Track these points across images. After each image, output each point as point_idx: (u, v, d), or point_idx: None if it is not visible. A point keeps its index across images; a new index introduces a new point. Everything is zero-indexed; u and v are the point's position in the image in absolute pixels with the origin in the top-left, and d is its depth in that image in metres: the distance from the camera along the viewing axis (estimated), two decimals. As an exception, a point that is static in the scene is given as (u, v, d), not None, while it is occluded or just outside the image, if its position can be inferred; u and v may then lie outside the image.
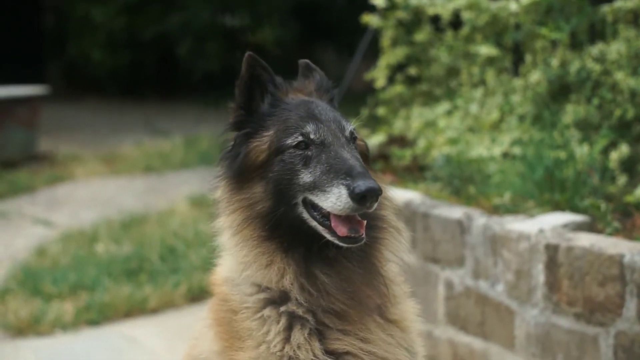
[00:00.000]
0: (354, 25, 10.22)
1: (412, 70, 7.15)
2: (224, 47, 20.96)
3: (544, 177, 4.89)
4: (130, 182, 11.82)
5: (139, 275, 7.18)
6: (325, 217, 2.68)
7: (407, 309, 2.98)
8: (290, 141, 2.74)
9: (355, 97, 9.03)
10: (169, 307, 6.71)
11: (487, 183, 5.31)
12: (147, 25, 20.44)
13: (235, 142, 2.87)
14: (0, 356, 5.81)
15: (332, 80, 3.14)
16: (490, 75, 6.31)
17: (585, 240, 4.20)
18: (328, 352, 2.73)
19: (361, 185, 2.55)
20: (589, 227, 4.52)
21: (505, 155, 5.61)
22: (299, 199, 2.71)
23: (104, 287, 6.84)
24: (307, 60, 3.15)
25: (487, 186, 5.25)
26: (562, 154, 4.96)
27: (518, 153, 5.40)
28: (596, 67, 5.24)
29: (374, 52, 7.71)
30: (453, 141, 5.94)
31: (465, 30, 6.63)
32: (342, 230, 2.63)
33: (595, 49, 5.36)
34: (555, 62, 5.58)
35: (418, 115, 6.63)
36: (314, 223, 2.70)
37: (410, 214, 5.19)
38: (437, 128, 6.30)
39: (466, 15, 6.53)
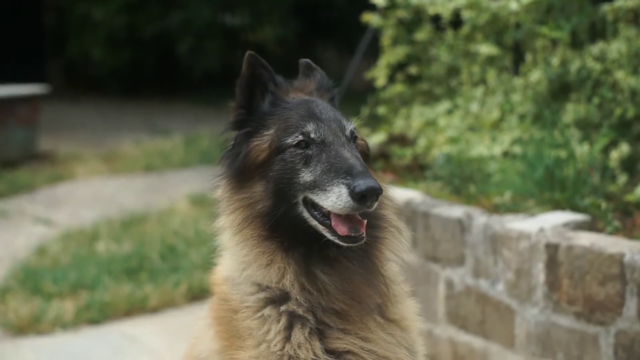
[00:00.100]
0: (354, 24, 10.24)
1: (413, 69, 7.16)
2: (225, 45, 20.97)
3: (545, 176, 4.89)
4: (130, 181, 11.82)
5: (139, 274, 7.18)
6: (325, 216, 2.68)
7: (408, 308, 2.98)
8: (290, 140, 2.74)
9: (355, 96, 9.04)
10: (169, 306, 6.71)
11: (487, 182, 5.31)
12: (147, 24, 20.44)
13: (235, 141, 2.86)
14: (1, 355, 5.81)
15: (332, 79, 3.14)
16: (491, 75, 6.32)
17: (586, 239, 4.20)
18: (328, 351, 2.73)
19: (362, 184, 2.55)
20: (589, 226, 4.52)
21: (505, 154, 5.61)
22: (300, 198, 2.71)
23: (104, 286, 6.85)
24: (307, 60, 3.15)
25: (488, 185, 5.26)
26: (563, 153, 4.96)
27: (518, 152, 5.40)
28: (596, 66, 5.24)
29: (374, 51, 7.71)
30: (453, 140, 5.94)
31: (465, 30, 6.64)
32: (342, 229, 2.63)
33: (596, 48, 5.36)
34: (555, 61, 5.59)
35: (418, 114, 6.64)
36: (314, 222, 2.70)
37: (410, 213, 5.19)
38: (438, 127, 6.30)
39: (466, 15, 6.54)
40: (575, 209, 4.69)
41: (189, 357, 3.09)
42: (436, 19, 7.03)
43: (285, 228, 2.73)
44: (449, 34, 6.84)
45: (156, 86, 22.28)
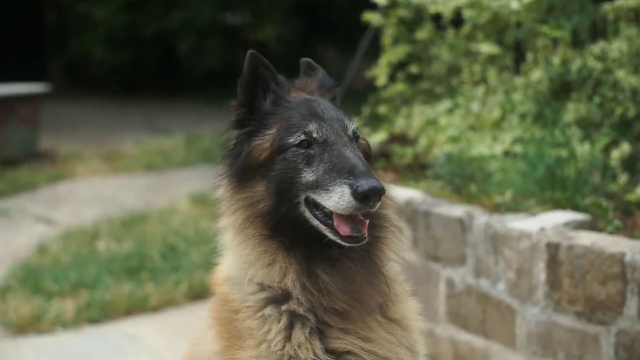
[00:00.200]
0: (355, 23, 10.23)
1: (414, 69, 7.16)
2: (225, 45, 20.96)
3: (545, 176, 4.89)
4: (131, 180, 11.82)
5: (140, 274, 7.18)
6: (327, 216, 2.68)
7: (409, 307, 2.98)
8: (292, 140, 2.74)
9: (356, 95, 9.03)
10: (169, 305, 6.71)
11: (488, 181, 5.31)
12: (148, 23, 20.44)
13: (237, 140, 2.86)
14: (1, 354, 5.81)
15: (333, 78, 3.14)
16: (492, 74, 6.31)
17: (586, 238, 4.20)
18: (329, 351, 2.73)
19: (364, 184, 2.55)
20: (590, 226, 4.52)
21: (506, 153, 5.61)
22: (301, 198, 2.71)
23: (105, 285, 6.84)
24: (309, 59, 3.15)
25: (488, 184, 5.25)
26: (564, 152, 4.96)
27: (519, 151, 5.40)
28: (597, 66, 5.24)
29: (375, 50, 7.71)
30: (454, 139, 5.94)
31: (466, 29, 6.63)
32: (344, 229, 2.63)
33: (597, 47, 5.35)
34: (556, 60, 5.58)
35: (419, 114, 6.63)
36: (316, 222, 2.70)
37: (411, 213, 5.19)
38: (439, 126, 6.30)
39: (467, 14, 6.53)
40: (576, 208, 4.69)
41: (190, 357, 3.09)
42: (437, 18, 7.03)
43: (286, 228, 2.73)
44: (450, 33, 6.84)
45: (157, 85, 22.28)
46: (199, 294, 6.73)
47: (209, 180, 3.01)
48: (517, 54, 6.38)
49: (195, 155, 13.22)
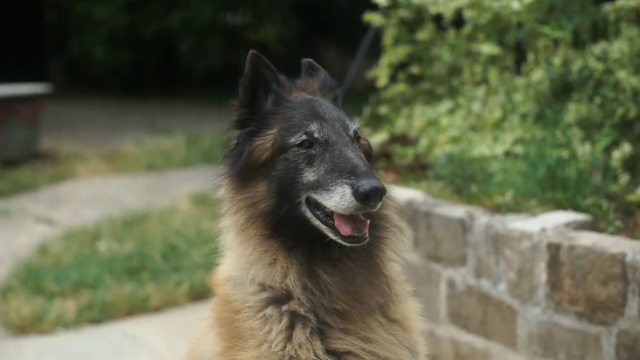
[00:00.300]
0: (356, 23, 10.23)
1: (414, 69, 7.16)
2: (226, 45, 20.97)
3: (546, 176, 4.89)
4: (132, 181, 11.83)
5: (141, 274, 7.18)
6: (328, 216, 2.68)
7: (409, 308, 2.98)
8: (294, 140, 2.74)
9: (357, 96, 9.03)
10: (171, 305, 6.71)
11: (489, 182, 5.31)
12: (148, 23, 20.45)
13: (238, 140, 2.86)
14: (2, 354, 5.81)
15: (334, 78, 3.13)
16: (493, 74, 6.31)
17: (587, 239, 4.20)
18: (329, 351, 2.73)
19: (365, 184, 2.55)
20: (591, 226, 4.52)
21: (507, 154, 5.61)
22: (303, 198, 2.71)
23: (106, 286, 6.85)
24: (310, 59, 3.15)
25: (489, 185, 5.25)
26: (565, 153, 4.96)
27: (520, 152, 5.40)
28: (598, 66, 5.24)
29: (376, 51, 7.71)
30: (455, 140, 5.94)
31: (467, 29, 6.63)
32: (345, 229, 2.63)
33: (598, 48, 5.35)
34: (557, 60, 5.58)
35: (420, 114, 6.63)
36: (317, 222, 2.70)
37: (412, 213, 5.19)
38: (439, 127, 6.30)
39: (468, 14, 6.53)
40: (577, 209, 4.69)
41: (191, 358, 3.09)
42: (438, 19, 7.02)
43: (288, 228, 2.73)
44: (451, 34, 6.84)
45: (157, 85, 22.28)
46: (200, 294, 6.73)
47: (209, 180, 3.00)
48: (518, 55, 6.38)
49: (196, 155, 13.23)
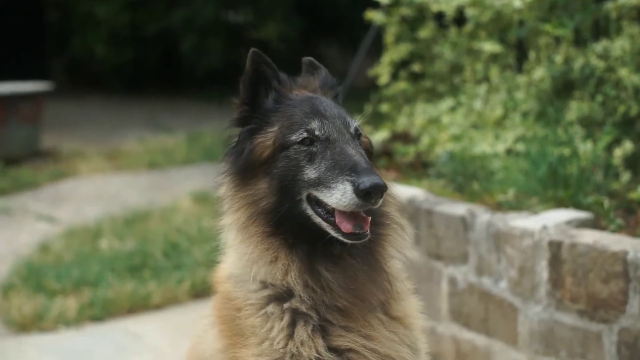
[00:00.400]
0: (357, 21, 10.23)
1: (416, 67, 7.15)
2: (228, 43, 20.95)
3: (548, 174, 4.88)
4: (133, 178, 11.83)
5: (142, 272, 7.19)
6: (329, 213, 2.68)
7: (411, 305, 2.98)
8: (295, 137, 2.74)
9: (358, 94, 9.03)
10: (172, 303, 6.72)
11: (490, 180, 5.31)
12: (150, 22, 20.44)
13: (239, 138, 2.86)
14: (4, 352, 5.82)
15: (335, 76, 3.13)
16: (494, 72, 6.31)
17: (589, 237, 4.19)
18: (331, 348, 2.73)
19: (366, 181, 2.55)
20: (593, 224, 4.52)
21: (508, 151, 5.60)
22: (304, 195, 2.71)
23: (108, 283, 6.85)
24: (311, 58, 3.15)
25: (491, 183, 5.25)
26: (566, 151, 4.96)
27: (522, 150, 5.39)
28: (600, 64, 5.23)
29: (377, 49, 7.70)
30: (456, 138, 5.93)
31: (469, 27, 6.63)
32: (346, 226, 2.63)
33: (599, 46, 5.35)
34: (559, 58, 5.57)
35: (421, 112, 6.63)
36: (318, 219, 2.70)
37: (413, 211, 5.19)
38: (441, 124, 6.29)
39: (470, 12, 6.53)
40: (578, 206, 4.68)
41: (192, 356, 3.09)
42: (439, 17, 7.02)
43: (289, 225, 2.73)
44: (453, 32, 6.83)
45: (159, 84, 22.28)
46: (202, 292, 6.74)
47: (211, 178, 3.00)
48: (519, 53, 6.37)
49: (198, 153, 13.23)
